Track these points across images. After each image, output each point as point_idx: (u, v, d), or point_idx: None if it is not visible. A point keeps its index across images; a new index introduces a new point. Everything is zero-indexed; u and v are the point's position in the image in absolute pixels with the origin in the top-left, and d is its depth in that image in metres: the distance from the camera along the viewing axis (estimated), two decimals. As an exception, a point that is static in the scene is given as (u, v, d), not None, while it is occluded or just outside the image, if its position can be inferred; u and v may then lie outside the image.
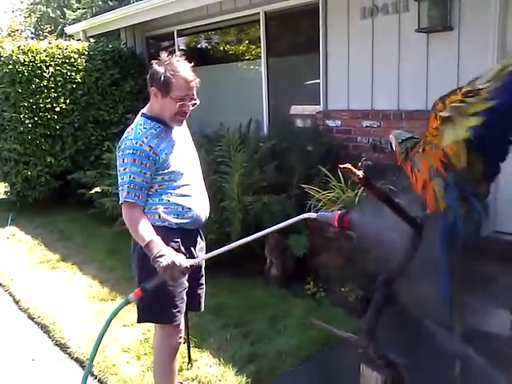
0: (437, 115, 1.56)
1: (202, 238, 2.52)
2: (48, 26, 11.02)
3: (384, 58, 4.50)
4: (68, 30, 8.91)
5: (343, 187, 3.89)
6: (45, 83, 6.57)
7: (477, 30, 3.83)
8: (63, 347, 3.33)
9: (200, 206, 2.37)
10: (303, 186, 4.10)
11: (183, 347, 2.80)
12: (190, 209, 2.31)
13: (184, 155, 2.35)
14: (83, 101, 6.89)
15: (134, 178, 2.16)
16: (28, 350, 3.34)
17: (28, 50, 6.52)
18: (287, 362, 2.98)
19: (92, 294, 4.13)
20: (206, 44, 7.46)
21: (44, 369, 3.12)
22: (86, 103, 6.93)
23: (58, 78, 6.67)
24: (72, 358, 3.20)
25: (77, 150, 6.89)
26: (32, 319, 3.77)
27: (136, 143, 2.18)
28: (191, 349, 3.02)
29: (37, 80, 6.52)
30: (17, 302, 4.09)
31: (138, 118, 2.30)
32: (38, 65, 6.54)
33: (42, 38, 8.04)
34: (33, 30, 22.56)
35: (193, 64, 2.26)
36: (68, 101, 6.76)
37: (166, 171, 2.25)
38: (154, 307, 2.30)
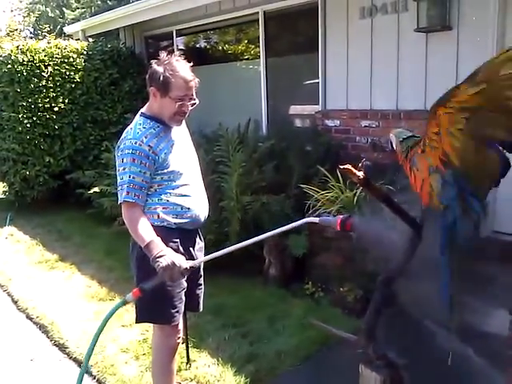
0: (437, 120, 1.54)
1: (200, 239, 2.52)
2: (47, 25, 11.01)
3: (383, 57, 4.50)
4: (67, 29, 8.90)
5: (342, 187, 3.88)
6: (43, 83, 6.56)
7: (476, 29, 3.83)
8: (62, 347, 3.32)
9: (199, 206, 2.37)
10: (302, 186, 4.10)
11: (182, 347, 2.80)
12: (189, 209, 2.30)
13: (183, 155, 2.35)
14: (82, 100, 6.88)
15: (133, 177, 2.16)
16: (26, 350, 3.33)
17: (27, 50, 6.51)
18: (286, 362, 2.98)
19: (91, 294, 4.13)
20: (205, 44, 7.46)
21: (42, 369, 3.12)
22: (85, 103, 6.92)
23: (56, 78, 6.67)
24: (70, 358, 3.20)
25: (75, 150, 6.88)
26: (30, 319, 3.76)
27: (135, 143, 2.17)
28: (190, 349, 3.01)
29: (35, 80, 6.51)
30: (15, 302, 4.08)
31: (137, 118, 2.30)
32: (37, 64, 6.53)
33: (40, 37, 8.02)
34: (32, 30, 22.54)
35: (192, 64, 2.26)
36: (67, 100, 6.75)
37: (165, 171, 2.24)
38: (153, 307, 2.30)
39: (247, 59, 6.42)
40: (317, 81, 5.14)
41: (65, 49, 6.84)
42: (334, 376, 2.81)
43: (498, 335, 2.63)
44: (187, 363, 2.97)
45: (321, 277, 3.86)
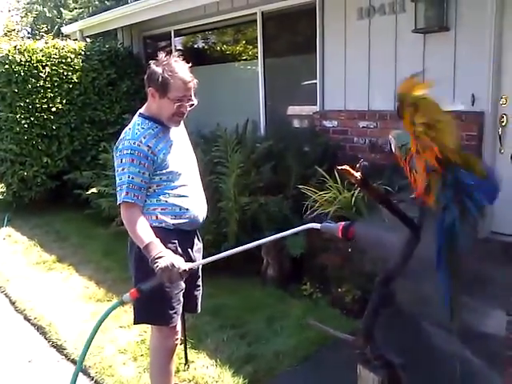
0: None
1: (199, 239, 2.52)
2: (44, 25, 11.00)
3: (381, 58, 4.51)
4: (65, 29, 8.89)
5: (340, 188, 3.89)
6: (41, 83, 6.55)
7: (473, 30, 3.84)
8: (60, 348, 3.31)
9: (197, 207, 2.37)
10: (300, 186, 4.11)
11: (180, 348, 2.79)
12: (187, 209, 2.30)
13: (182, 155, 2.35)
14: (80, 101, 6.88)
15: (132, 178, 2.15)
16: (24, 352, 3.32)
17: (24, 50, 6.50)
18: (284, 363, 2.97)
19: (88, 294, 4.12)
20: (203, 44, 7.46)
21: (40, 370, 3.11)
22: (83, 103, 6.91)
23: (54, 78, 6.66)
24: (68, 359, 3.19)
25: (73, 151, 6.87)
26: (28, 320, 3.75)
27: (134, 143, 2.17)
28: (188, 350, 3.01)
29: (33, 80, 6.50)
30: (13, 303, 4.07)
31: (136, 118, 2.29)
32: (35, 65, 6.52)
33: (38, 37, 8.00)
34: (29, 30, 22.48)
35: (190, 64, 2.26)
36: (64, 101, 6.74)
37: (164, 171, 2.24)
38: (151, 308, 2.29)
39: (245, 60, 6.43)
40: (315, 81, 5.15)
41: (62, 49, 6.83)
42: (332, 376, 2.81)
43: (496, 336, 2.63)
44: (185, 364, 2.97)
45: (319, 277, 3.86)
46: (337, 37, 4.86)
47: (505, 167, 3.80)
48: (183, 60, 2.26)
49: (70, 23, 10.69)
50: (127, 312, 3.52)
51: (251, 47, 6.17)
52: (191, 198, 2.33)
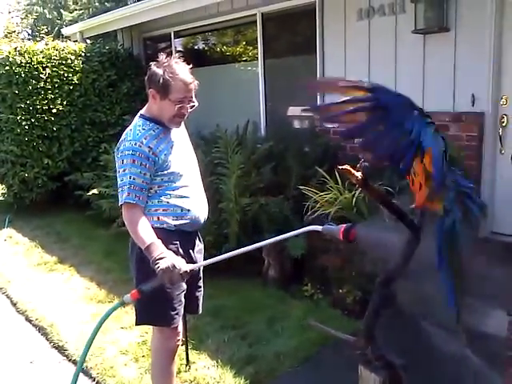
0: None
1: (200, 240, 2.52)
2: (45, 27, 11.00)
3: (381, 59, 4.51)
4: (65, 31, 8.90)
5: (340, 188, 3.89)
6: (41, 85, 6.56)
7: (473, 30, 3.84)
8: (61, 349, 3.32)
9: (199, 208, 2.37)
10: (300, 187, 4.11)
11: (181, 349, 2.80)
12: (188, 210, 2.30)
13: (183, 156, 2.35)
14: (80, 102, 6.88)
15: (134, 178, 2.16)
16: (26, 353, 3.33)
17: (25, 52, 6.51)
18: (286, 364, 2.98)
19: (89, 296, 4.13)
20: (203, 45, 7.46)
21: (42, 371, 3.12)
22: (83, 105, 6.92)
23: (54, 80, 6.67)
24: (70, 360, 3.20)
25: (74, 152, 6.88)
26: (30, 321, 3.76)
27: (135, 144, 2.17)
28: (189, 351, 3.02)
29: (33, 81, 6.51)
30: (14, 305, 4.08)
31: (137, 119, 2.30)
32: (35, 66, 6.52)
33: (38, 39, 8.01)
34: (29, 32, 22.51)
35: (190, 66, 2.27)
36: (65, 102, 6.75)
37: (165, 172, 2.24)
38: (153, 309, 2.30)
39: (245, 61, 6.44)
40: (315, 82, 5.15)
41: (63, 50, 6.83)
42: (333, 377, 2.81)
43: (496, 336, 2.63)
44: (187, 365, 2.97)
45: (320, 278, 3.87)
46: (337, 38, 4.86)
47: (505, 168, 3.81)
48: (184, 61, 2.27)
49: (70, 25, 10.71)
50: (128, 313, 3.53)
51: (251, 48, 6.17)
52: (192, 198, 2.34)
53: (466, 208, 1.55)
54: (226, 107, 6.52)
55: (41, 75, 6.55)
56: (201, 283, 2.56)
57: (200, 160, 2.63)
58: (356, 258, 3.37)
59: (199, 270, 2.50)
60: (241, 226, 4.10)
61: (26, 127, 6.48)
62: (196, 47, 7.59)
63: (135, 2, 6.80)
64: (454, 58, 3.96)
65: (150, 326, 2.59)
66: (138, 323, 2.43)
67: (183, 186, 2.30)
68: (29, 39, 17.08)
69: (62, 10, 21.46)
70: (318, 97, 5.09)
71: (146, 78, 2.25)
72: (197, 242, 2.47)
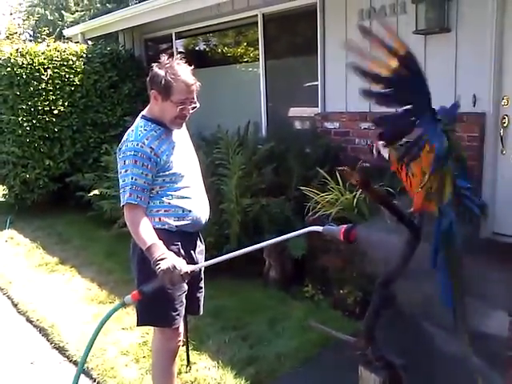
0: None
1: (201, 241, 2.52)
2: (46, 28, 11.00)
3: (382, 60, 4.51)
4: (66, 32, 8.92)
5: (341, 189, 3.89)
6: (43, 86, 6.57)
7: (474, 29, 3.84)
8: (62, 350, 3.32)
9: (200, 209, 2.37)
10: (302, 188, 4.11)
11: (182, 350, 2.80)
12: (190, 211, 2.30)
13: (184, 157, 2.36)
14: (81, 103, 6.89)
15: (135, 179, 2.16)
16: (26, 353, 3.33)
17: (26, 53, 6.52)
18: (286, 365, 2.98)
19: (90, 296, 4.13)
20: (205, 46, 7.47)
21: (42, 372, 3.12)
22: (85, 106, 6.93)
23: (56, 81, 6.68)
24: (70, 361, 3.20)
25: (75, 153, 6.89)
26: (30, 322, 3.76)
27: (137, 145, 2.18)
28: (190, 351, 3.02)
29: (35, 82, 6.52)
30: (15, 305, 4.08)
31: (138, 120, 2.30)
32: (37, 67, 6.54)
33: (40, 40, 8.03)
34: (31, 33, 22.55)
35: (192, 67, 2.27)
36: (66, 103, 6.76)
37: (167, 173, 2.25)
38: (154, 310, 2.30)
39: (246, 62, 6.44)
40: (316, 83, 5.15)
41: (64, 52, 6.85)
42: (333, 378, 2.81)
43: (497, 336, 2.63)
44: (187, 366, 2.97)
45: (320, 279, 3.87)
46: (338, 38, 4.86)
47: (506, 168, 3.80)
48: (185, 63, 2.27)
49: (72, 26, 10.73)
50: (129, 314, 3.53)
51: (252, 49, 6.18)
52: (194, 199, 2.34)
53: (466, 208, 1.55)
54: (227, 108, 6.52)
55: (42, 76, 6.57)
56: (202, 284, 2.56)
57: (201, 161, 2.64)
58: (357, 259, 3.37)
59: (200, 270, 2.51)
60: (242, 226, 4.10)
61: (28, 128, 6.49)
62: (197, 48, 7.60)
63: (136, 3, 6.80)
64: (455, 59, 3.96)
65: (151, 327, 2.60)
66: (139, 324, 2.44)
67: (185, 186, 2.31)
68: (30, 40, 17.15)
69: (63, 12, 21.51)
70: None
71: (148, 79, 2.25)
72: (198, 242, 2.47)
